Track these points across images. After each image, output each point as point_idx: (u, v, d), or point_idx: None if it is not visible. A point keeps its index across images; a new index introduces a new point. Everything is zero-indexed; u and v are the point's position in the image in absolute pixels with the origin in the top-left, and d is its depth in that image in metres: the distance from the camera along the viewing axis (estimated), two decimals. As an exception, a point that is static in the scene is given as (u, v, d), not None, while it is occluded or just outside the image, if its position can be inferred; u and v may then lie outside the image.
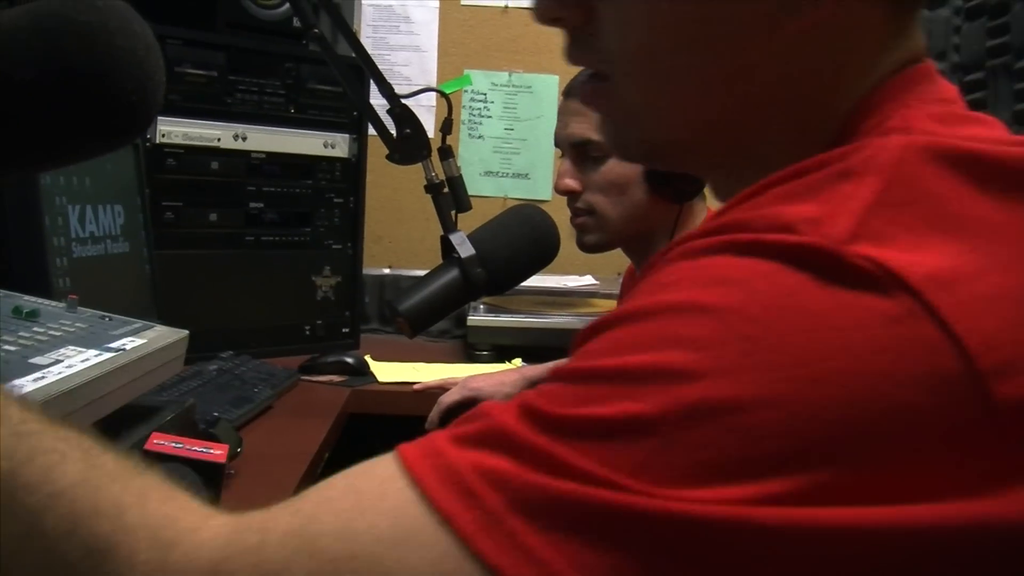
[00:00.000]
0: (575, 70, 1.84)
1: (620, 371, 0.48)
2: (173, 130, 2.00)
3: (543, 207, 1.71)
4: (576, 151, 1.71)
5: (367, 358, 2.18)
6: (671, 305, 0.49)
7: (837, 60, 0.61)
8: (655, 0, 0.60)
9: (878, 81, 0.61)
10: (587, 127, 1.67)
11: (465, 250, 1.53)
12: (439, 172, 1.64)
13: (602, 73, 0.66)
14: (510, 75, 2.92)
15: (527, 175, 2.95)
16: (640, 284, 0.53)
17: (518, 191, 2.93)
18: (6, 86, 0.58)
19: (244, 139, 2.11)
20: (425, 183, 1.63)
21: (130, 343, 1.15)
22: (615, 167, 1.66)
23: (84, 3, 0.61)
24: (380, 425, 2.11)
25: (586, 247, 1.75)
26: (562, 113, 1.76)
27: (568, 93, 1.76)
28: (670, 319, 0.48)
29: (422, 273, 1.63)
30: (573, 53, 0.67)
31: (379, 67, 1.66)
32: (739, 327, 0.46)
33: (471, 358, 2.34)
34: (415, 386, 2.05)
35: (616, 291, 2.49)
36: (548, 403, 0.48)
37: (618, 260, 1.94)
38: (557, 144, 1.77)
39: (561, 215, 1.74)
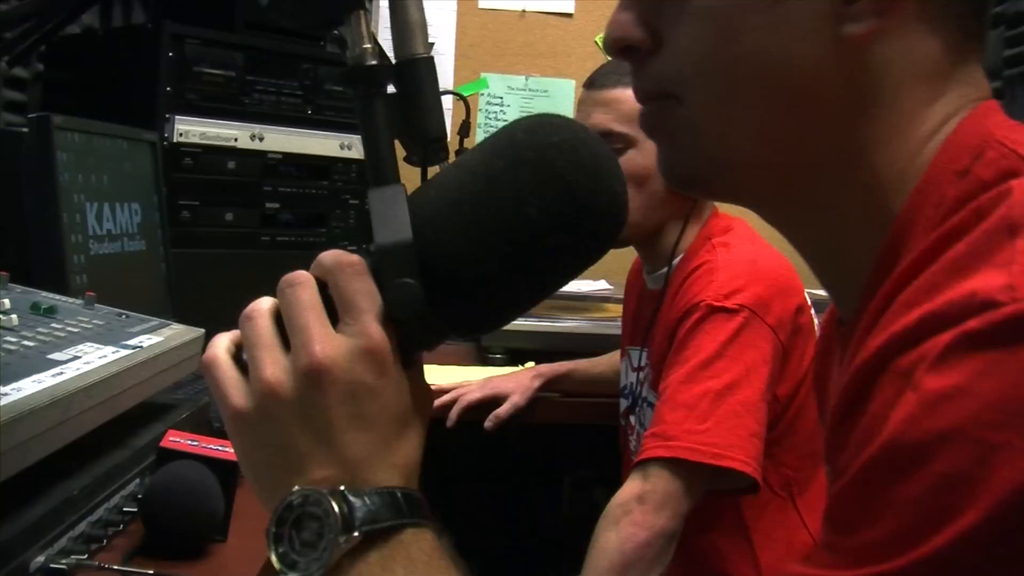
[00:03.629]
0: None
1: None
2: (190, 129, 2.00)
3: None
4: None
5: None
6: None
7: (895, 88, 0.62)
8: (718, 13, 0.62)
9: (943, 119, 0.62)
10: (609, 118, 1.67)
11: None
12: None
13: (672, 94, 0.66)
14: (527, 79, 2.92)
15: (542, 179, 2.95)
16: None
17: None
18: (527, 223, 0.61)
19: (261, 139, 2.12)
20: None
21: (147, 340, 1.15)
22: (636, 158, 1.66)
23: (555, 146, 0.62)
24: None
25: None
26: (583, 104, 1.75)
27: (590, 84, 1.75)
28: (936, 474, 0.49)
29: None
30: (640, 84, 0.69)
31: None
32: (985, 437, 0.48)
33: (485, 361, 2.34)
34: (429, 388, 2.05)
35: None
36: None
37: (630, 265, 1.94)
38: None
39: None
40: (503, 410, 1.98)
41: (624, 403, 1.89)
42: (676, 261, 1.72)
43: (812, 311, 1.69)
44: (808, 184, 0.65)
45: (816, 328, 1.68)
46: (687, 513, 1.49)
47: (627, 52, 0.68)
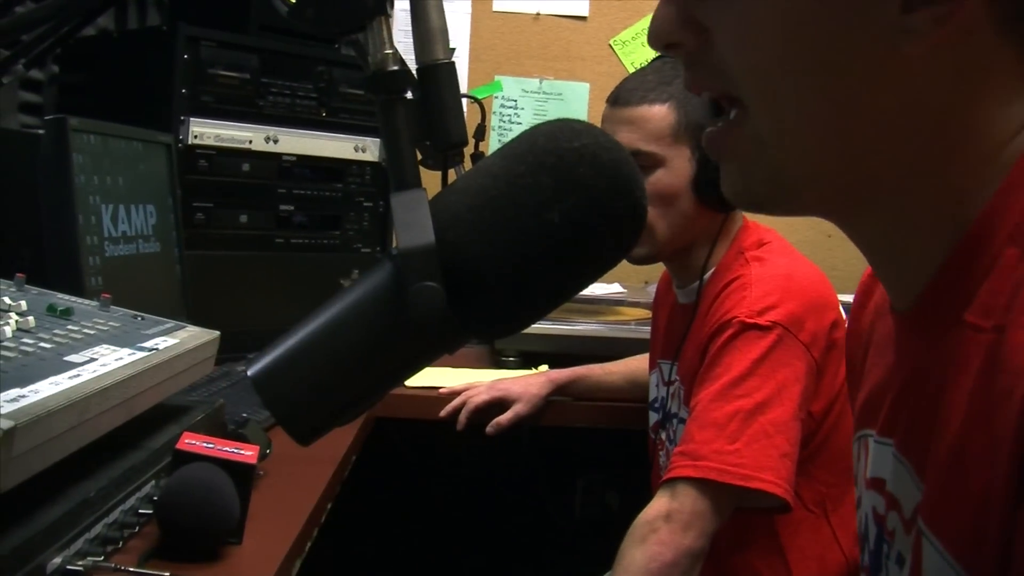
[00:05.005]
0: (606, 78, 1.83)
1: None
2: (205, 131, 2.01)
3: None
4: None
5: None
6: None
7: (965, 94, 0.60)
8: (764, 15, 0.61)
9: (1021, 124, 0.61)
10: (636, 137, 1.63)
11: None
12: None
13: (729, 96, 0.66)
14: (541, 82, 2.92)
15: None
16: None
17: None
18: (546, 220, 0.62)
19: (275, 142, 2.12)
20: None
21: (163, 343, 1.15)
22: (663, 177, 1.64)
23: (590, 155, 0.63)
24: (407, 429, 2.11)
25: (634, 260, 1.70)
26: (607, 121, 1.70)
27: (614, 101, 1.71)
28: None
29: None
30: (694, 79, 0.68)
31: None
32: None
33: (498, 364, 2.34)
34: (441, 390, 2.05)
35: (643, 299, 2.48)
36: None
37: (645, 268, 1.93)
38: None
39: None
40: (504, 418, 1.97)
41: (654, 416, 1.88)
42: (707, 276, 1.70)
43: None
44: (877, 192, 0.65)
45: None
46: (715, 532, 1.47)
47: (672, 48, 0.67)
